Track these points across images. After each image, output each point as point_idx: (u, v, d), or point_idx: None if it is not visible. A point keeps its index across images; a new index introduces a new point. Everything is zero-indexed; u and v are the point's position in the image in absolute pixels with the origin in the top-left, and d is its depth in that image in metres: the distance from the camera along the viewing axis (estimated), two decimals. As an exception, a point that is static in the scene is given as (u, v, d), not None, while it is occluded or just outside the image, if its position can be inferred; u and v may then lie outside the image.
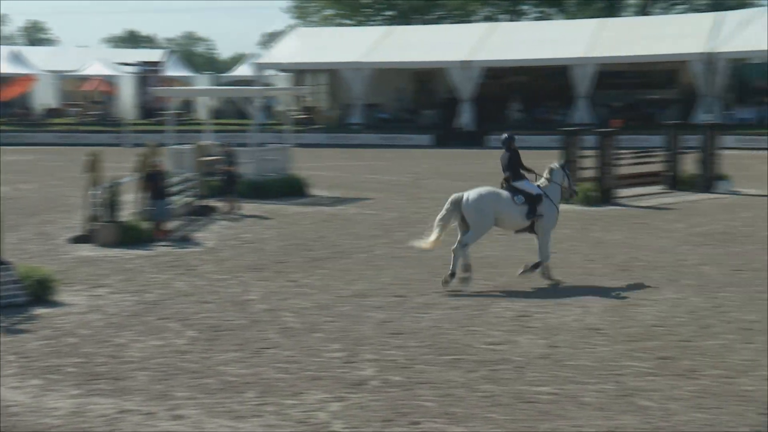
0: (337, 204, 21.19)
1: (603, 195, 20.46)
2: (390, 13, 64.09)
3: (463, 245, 12.16)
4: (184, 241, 16.22)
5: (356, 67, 44.78)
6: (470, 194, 12.24)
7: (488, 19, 61.62)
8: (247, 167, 22.50)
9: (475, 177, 27.34)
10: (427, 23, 59.97)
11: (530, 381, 8.31)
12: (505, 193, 12.37)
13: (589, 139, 21.84)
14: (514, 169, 12.50)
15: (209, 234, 16.99)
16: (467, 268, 12.12)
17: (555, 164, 13.07)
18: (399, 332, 9.97)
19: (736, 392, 7.93)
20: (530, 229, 12.54)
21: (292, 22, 68.68)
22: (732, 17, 42.50)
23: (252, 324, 10.40)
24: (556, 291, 11.83)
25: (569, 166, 14.15)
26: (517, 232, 12.84)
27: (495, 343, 9.54)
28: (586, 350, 9.23)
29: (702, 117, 36.18)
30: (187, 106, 49.60)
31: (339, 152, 37.82)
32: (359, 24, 62.53)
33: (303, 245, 15.60)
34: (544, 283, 12.19)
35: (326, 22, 64.20)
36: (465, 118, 42.73)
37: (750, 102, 41.06)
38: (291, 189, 22.56)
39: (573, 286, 12.07)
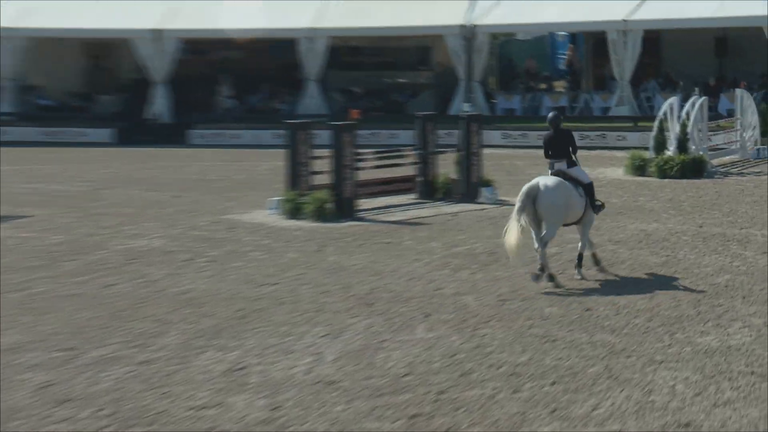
0: (-20, 224, 20.41)
1: (341, 207, 20.96)
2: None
3: (543, 244, 14.32)
4: None
5: (2, 35, 43.07)
6: (545, 184, 14.39)
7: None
8: None
9: (175, 184, 27.24)
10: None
11: (246, 456, 8.38)
12: (569, 183, 14.62)
13: (322, 135, 22.31)
14: (566, 153, 14.85)
15: None
16: (543, 268, 14.27)
17: None
18: (67, 399, 9.75)
19: (503, 454, 8.39)
20: (578, 221, 14.85)
21: None
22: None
23: None
24: (280, 335, 11.97)
25: None
26: (565, 225, 14.95)
27: (200, 407, 9.52)
28: (318, 411, 9.41)
29: (461, 107, 38.02)
30: None
31: (-17, 152, 36.35)
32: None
33: (-71, 283, 14.88)
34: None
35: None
36: (159, 106, 42.32)
37: (516, 89, 43.44)
38: None
39: (302, 328, 12.27)
